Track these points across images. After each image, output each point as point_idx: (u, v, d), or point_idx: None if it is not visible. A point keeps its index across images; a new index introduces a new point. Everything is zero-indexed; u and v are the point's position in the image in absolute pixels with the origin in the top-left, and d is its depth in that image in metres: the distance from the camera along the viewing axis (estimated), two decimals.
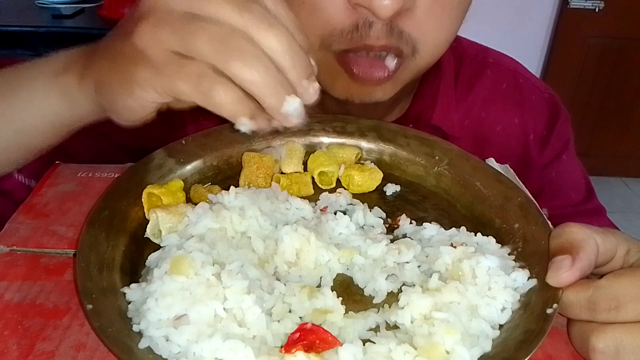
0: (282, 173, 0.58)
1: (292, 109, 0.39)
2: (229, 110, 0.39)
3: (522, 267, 0.45)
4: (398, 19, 0.54)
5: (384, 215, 0.54)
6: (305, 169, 0.59)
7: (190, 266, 0.40)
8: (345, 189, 0.57)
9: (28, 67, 0.52)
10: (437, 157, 0.59)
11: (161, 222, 0.47)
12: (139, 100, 0.41)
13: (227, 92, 0.38)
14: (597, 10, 2.87)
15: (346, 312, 0.42)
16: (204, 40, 0.37)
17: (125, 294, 0.41)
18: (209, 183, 0.57)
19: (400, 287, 0.45)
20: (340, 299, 0.43)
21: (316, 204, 0.54)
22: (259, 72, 0.38)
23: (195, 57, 0.38)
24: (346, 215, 0.51)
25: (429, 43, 0.59)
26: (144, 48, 0.39)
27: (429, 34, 0.58)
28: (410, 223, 0.53)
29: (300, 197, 0.53)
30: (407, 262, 0.47)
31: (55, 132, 0.52)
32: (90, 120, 0.50)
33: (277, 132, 0.60)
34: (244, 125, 0.40)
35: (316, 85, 0.41)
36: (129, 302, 0.41)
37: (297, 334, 0.38)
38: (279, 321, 0.40)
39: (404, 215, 0.54)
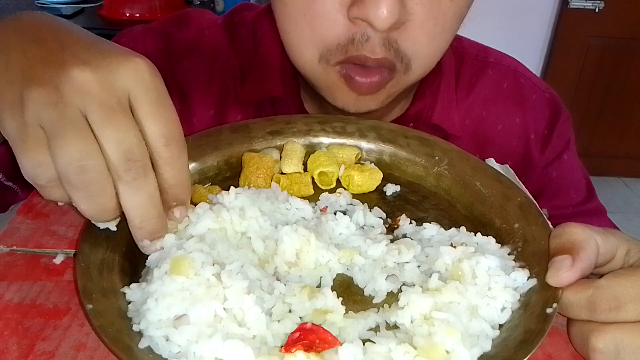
0: (282, 173, 0.58)
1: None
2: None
3: (522, 267, 0.45)
4: (394, 33, 0.55)
5: (384, 215, 0.54)
6: (305, 169, 0.59)
7: (190, 266, 0.40)
8: (345, 189, 0.57)
9: None
10: (437, 157, 0.59)
11: None
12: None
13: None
14: (597, 10, 2.87)
15: (346, 312, 0.42)
16: (63, 158, 0.37)
17: (125, 294, 0.41)
18: (209, 183, 0.57)
19: (400, 287, 0.45)
20: (341, 299, 0.43)
21: (316, 204, 0.54)
22: (95, 210, 0.40)
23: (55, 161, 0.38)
24: (346, 216, 0.51)
25: (421, 58, 0.59)
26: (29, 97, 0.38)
27: (422, 49, 0.58)
28: (410, 223, 0.53)
29: (300, 198, 0.53)
30: (407, 262, 0.47)
31: None
32: None
33: (276, 133, 0.60)
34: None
35: (158, 244, 0.43)
36: (129, 302, 0.41)
37: (297, 334, 0.38)
38: (279, 321, 0.40)
39: (403, 215, 0.54)
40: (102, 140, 0.38)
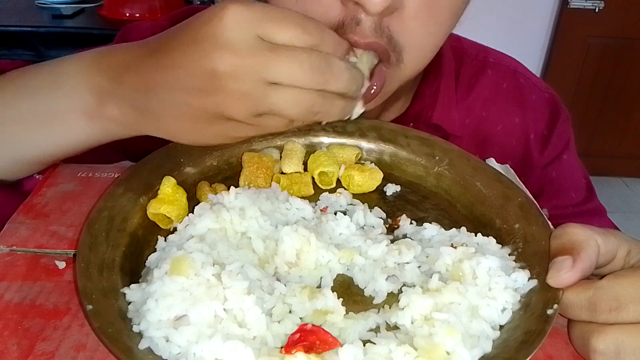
0: (282, 173, 0.58)
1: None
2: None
3: (522, 267, 0.45)
4: (386, 19, 0.54)
5: (384, 215, 0.54)
6: (305, 169, 0.59)
7: (190, 267, 0.40)
8: (345, 189, 0.57)
9: (49, 92, 0.53)
10: (437, 157, 0.59)
11: None
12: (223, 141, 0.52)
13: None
14: (597, 10, 2.87)
15: (346, 312, 0.42)
16: (285, 105, 0.46)
17: (125, 294, 0.41)
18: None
19: (401, 288, 0.45)
20: (341, 299, 0.43)
21: (316, 204, 0.54)
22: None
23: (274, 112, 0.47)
24: (346, 216, 0.51)
25: (414, 48, 0.58)
26: (231, 115, 0.46)
27: (415, 39, 0.57)
28: (411, 223, 0.53)
29: (301, 197, 0.53)
30: (408, 263, 0.47)
31: (83, 149, 0.56)
32: None
33: (280, 133, 0.59)
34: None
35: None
36: (129, 303, 0.41)
37: (298, 335, 0.38)
38: (279, 322, 0.40)
39: (404, 215, 0.54)
40: (287, 81, 0.45)
